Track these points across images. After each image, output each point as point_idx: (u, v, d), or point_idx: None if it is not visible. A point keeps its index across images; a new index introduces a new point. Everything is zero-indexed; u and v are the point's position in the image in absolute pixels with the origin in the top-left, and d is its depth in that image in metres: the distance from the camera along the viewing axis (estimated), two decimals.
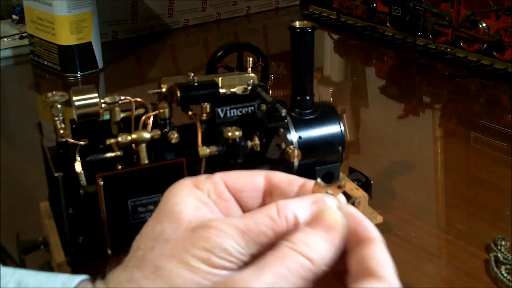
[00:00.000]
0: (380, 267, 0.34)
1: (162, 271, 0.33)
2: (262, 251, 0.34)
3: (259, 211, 0.35)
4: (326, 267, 0.34)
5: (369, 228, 0.35)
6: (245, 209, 0.38)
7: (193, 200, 0.36)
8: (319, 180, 0.37)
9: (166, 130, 0.61)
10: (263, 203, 0.38)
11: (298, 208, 0.35)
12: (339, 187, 0.37)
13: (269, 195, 0.38)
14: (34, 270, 0.36)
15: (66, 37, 1.27)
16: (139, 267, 0.34)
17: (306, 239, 0.34)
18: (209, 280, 0.33)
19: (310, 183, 0.38)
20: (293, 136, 0.68)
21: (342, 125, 0.70)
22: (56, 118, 0.59)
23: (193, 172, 0.61)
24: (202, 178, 0.38)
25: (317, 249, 0.34)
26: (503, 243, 0.69)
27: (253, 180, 0.38)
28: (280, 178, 0.38)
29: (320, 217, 0.35)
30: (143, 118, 0.61)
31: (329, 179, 0.70)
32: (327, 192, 0.37)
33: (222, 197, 0.37)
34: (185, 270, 0.33)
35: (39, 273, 0.35)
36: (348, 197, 0.70)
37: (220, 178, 0.38)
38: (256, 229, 0.34)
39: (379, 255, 0.34)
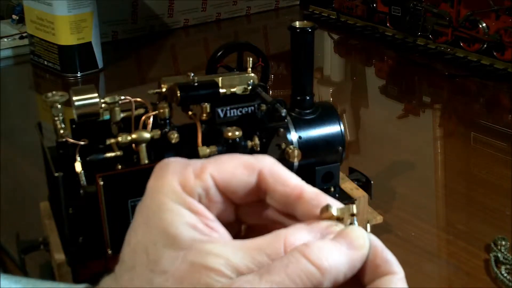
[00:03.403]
0: None
1: None
2: None
3: (266, 248, 0.33)
4: (334, 284, 0.33)
5: (391, 261, 0.34)
6: (236, 203, 0.37)
7: (187, 212, 0.35)
8: (329, 203, 0.34)
9: (166, 130, 0.61)
10: (257, 198, 0.37)
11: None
12: (352, 215, 0.34)
13: (263, 193, 0.37)
14: (34, 279, 0.35)
15: (66, 37, 1.27)
16: None
17: (324, 247, 0.32)
18: None
19: (309, 194, 0.36)
20: (293, 136, 0.68)
21: (342, 125, 0.70)
22: (56, 118, 0.59)
23: None
24: (191, 178, 0.35)
25: (331, 261, 0.32)
26: (503, 243, 0.69)
27: (246, 181, 0.36)
28: (275, 180, 0.36)
29: (347, 233, 0.33)
30: (143, 118, 0.61)
31: (329, 179, 0.70)
32: (338, 219, 0.34)
33: (213, 201, 0.36)
34: None
35: (40, 281, 0.35)
36: (349, 197, 0.70)
37: (212, 179, 0.36)
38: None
39: None
